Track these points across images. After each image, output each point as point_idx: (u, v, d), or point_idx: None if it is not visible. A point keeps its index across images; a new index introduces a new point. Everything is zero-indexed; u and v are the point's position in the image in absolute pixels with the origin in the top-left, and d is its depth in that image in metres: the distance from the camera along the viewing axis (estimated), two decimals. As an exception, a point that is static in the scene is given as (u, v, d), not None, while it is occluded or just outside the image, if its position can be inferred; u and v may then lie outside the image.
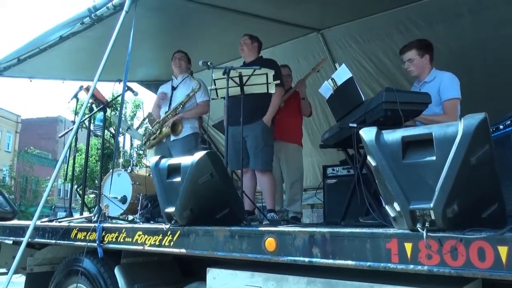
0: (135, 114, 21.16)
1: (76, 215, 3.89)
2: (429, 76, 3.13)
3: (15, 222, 4.14)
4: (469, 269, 1.43)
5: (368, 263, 1.65)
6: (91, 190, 4.91)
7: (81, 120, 3.19)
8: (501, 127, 1.94)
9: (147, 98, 30.39)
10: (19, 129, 31.04)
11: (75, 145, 4.00)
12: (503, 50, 4.06)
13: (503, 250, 1.37)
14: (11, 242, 3.94)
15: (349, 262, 1.70)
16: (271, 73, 3.16)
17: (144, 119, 7.50)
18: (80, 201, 4.11)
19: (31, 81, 5.40)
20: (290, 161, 4.27)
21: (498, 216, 1.56)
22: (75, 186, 4.46)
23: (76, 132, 3.22)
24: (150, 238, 2.48)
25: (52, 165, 33.70)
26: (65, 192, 34.58)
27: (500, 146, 1.93)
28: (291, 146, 4.28)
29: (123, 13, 3.15)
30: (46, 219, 3.69)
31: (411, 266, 1.55)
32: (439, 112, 3.03)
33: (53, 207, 30.87)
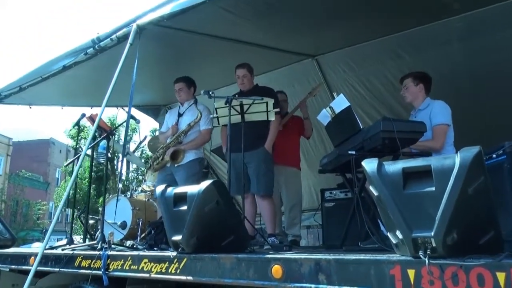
0: (131, 138, 21.21)
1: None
2: (423, 104, 3.33)
3: (16, 249, 4.14)
4: (470, 295, 1.51)
5: (373, 289, 1.72)
6: (91, 216, 4.92)
7: (88, 147, 3.26)
8: (494, 156, 2.05)
9: (143, 122, 30.44)
10: (10, 151, 30.75)
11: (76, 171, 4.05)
12: (492, 76, 4.20)
13: (501, 276, 1.46)
14: (7, 269, 3.94)
15: (354, 288, 1.77)
16: (271, 101, 3.27)
17: (140, 142, 7.56)
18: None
19: (30, 107, 5.46)
20: (290, 184, 4.34)
21: (495, 242, 1.65)
22: (76, 212, 4.47)
23: (82, 161, 3.28)
24: (156, 266, 2.53)
25: (43, 188, 33.22)
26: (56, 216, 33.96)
27: (493, 174, 2.03)
28: (290, 170, 4.35)
29: (128, 45, 3.25)
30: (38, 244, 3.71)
31: (414, 292, 1.62)
32: (431, 136, 3.18)
33: (44, 230, 30.36)
